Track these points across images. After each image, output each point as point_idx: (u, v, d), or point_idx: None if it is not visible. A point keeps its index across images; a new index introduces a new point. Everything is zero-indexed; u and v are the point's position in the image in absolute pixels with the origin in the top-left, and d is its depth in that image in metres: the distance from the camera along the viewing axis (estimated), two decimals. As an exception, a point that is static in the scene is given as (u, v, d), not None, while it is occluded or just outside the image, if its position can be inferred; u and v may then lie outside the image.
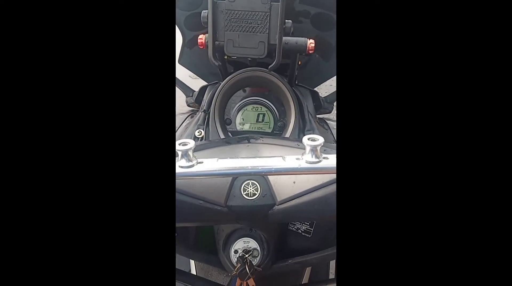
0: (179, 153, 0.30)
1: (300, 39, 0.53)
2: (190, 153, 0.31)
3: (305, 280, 0.58)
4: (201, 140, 0.57)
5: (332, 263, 0.64)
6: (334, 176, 0.36)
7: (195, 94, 0.73)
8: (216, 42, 0.49)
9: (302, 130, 0.58)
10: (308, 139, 0.31)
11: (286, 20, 0.48)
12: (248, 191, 0.39)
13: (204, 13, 0.48)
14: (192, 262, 0.63)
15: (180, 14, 0.62)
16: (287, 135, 0.58)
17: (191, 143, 0.31)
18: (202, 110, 0.60)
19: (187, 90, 0.76)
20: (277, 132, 0.62)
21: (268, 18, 0.47)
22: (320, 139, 0.31)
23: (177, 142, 0.31)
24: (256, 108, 0.63)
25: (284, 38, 0.49)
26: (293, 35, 0.53)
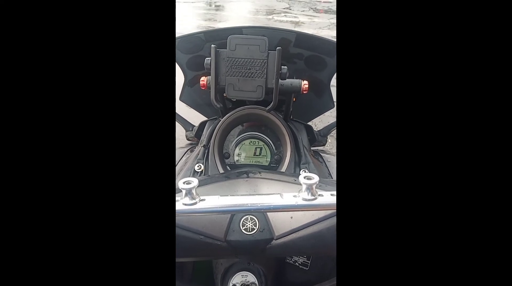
0: (183, 191, 0.32)
1: (295, 81, 0.57)
2: (194, 191, 0.33)
3: None
4: (200, 174, 0.59)
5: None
6: (329, 211, 0.38)
7: (195, 129, 0.76)
8: (217, 85, 0.53)
9: (297, 163, 0.60)
10: (304, 177, 0.33)
11: (282, 67, 0.52)
12: (247, 226, 0.40)
13: (207, 60, 0.53)
14: None
15: (182, 56, 0.67)
16: (284, 168, 0.60)
17: (195, 182, 0.33)
18: (202, 145, 0.63)
19: (187, 125, 0.79)
20: (274, 165, 0.64)
21: (266, 65, 0.52)
22: (315, 178, 0.33)
23: (181, 181, 0.33)
24: (254, 142, 0.65)
25: (280, 81, 0.53)
26: (289, 74, 0.57)
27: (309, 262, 0.51)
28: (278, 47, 0.51)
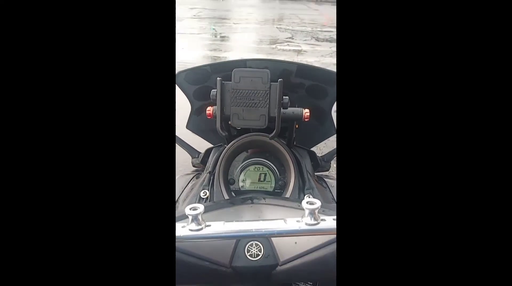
0: (190, 217, 0.33)
1: (297, 109, 0.60)
2: (200, 217, 0.34)
3: None
4: (206, 201, 0.60)
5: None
6: (333, 236, 0.39)
7: (201, 155, 0.77)
8: (223, 115, 0.56)
9: (302, 189, 0.61)
10: (307, 202, 0.34)
11: (284, 97, 0.55)
12: (252, 252, 0.41)
13: (213, 91, 0.56)
14: None
15: (189, 87, 0.70)
16: (288, 194, 0.61)
17: (201, 208, 0.34)
18: (208, 171, 0.64)
19: (193, 152, 0.81)
20: (278, 191, 0.65)
21: (268, 95, 0.55)
22: (318, 203, 0.34)
23: (187, 207, 0.34)
24: (258, 168, 0.66)
25: (282, 110, 0.56)
26: (290, 102, 0.59)
27: None
28: (279, 79, 0.54)
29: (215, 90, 0.55)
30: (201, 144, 0.81)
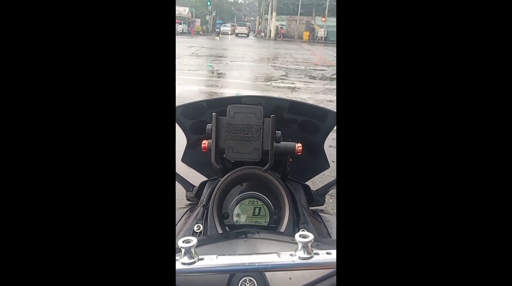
0: (183, 250, 0.33)
1: (289, 144, 0.62)
2: (193, 250, 0.33)
3: None
4: (199, 235, 0.59)
5: None
6: (327, 271, 0.38)
7: (195, 189, 0.77)
8: (217, 148, 0.57)
9: (296, 223, 0.61)
10: (300, 236, 0.34)
11: (276, 131, 0.57)
12: None
13: (208, 126, 0.58)
14: None
15: (186, 121, 0.72)
16: (283, 228, 0.60)
17: (194, 241, 0.34)
18: (201, 205, 0.64)
19: (187, 185, 0.81)
20: (273, 225, 0.65)
21: (261, 130, 0.56)
22: (310, 236, 0.34)
23: (180, 240, 0.34)
24: (252, 202, 0.66)
25: (275, 144, 0.58)
26: (283, 136, 0.61)
27: None
28: (272, 115, 0.56)
29: (211, 124, 0.57)
30: (196, 178, 0.81)
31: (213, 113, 0.57)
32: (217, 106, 0.67)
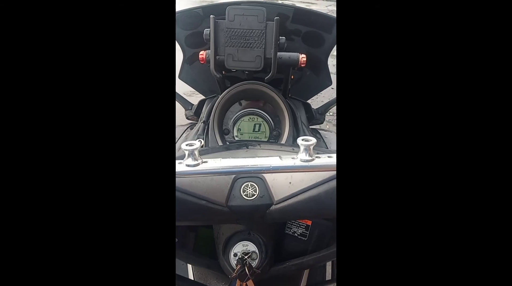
0: (186, 152, 0.33)
1: (293, 54, 0.58)
2: (196, 152, 0.34)
3: (303, 283, 0.60)
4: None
5: (329, 266, 0.66)
6: (327, 175, 0.39)
7: (194, 107, 0.76)
8: (217, 56, 0.54)
9: (296, 138, 0.62)
10: (302, 139, 0.34)
11: (280, 37, 0.53)
12: (247, 192, 0.41)
13: (206, 31, 0.53)
14: (190, 271, 0.64)
15: (181, 33, 0.67)
16: (282, 142, 0.61)
17: (197, 144, 0.34)
18: (202, 121, 0.64)
19: (186, 103, 0.79)
20: (273, 141, 0.66)
21: (264, 35, 0.52)
22: (313, 140, 0.34)
23: (183, 143, 0.34)
24: (253, 119, 0.66)
25: (278, 53, 0.54)
26: (286, 51, 0.58)
27: (308, 232, 0.53)
28: (276, 17, 0.51)
29: (209, 29, 0.53)
30: (195, 97, 0.79)
31: (211, 16, 0.52)
32: (215, 13, 0.61)
